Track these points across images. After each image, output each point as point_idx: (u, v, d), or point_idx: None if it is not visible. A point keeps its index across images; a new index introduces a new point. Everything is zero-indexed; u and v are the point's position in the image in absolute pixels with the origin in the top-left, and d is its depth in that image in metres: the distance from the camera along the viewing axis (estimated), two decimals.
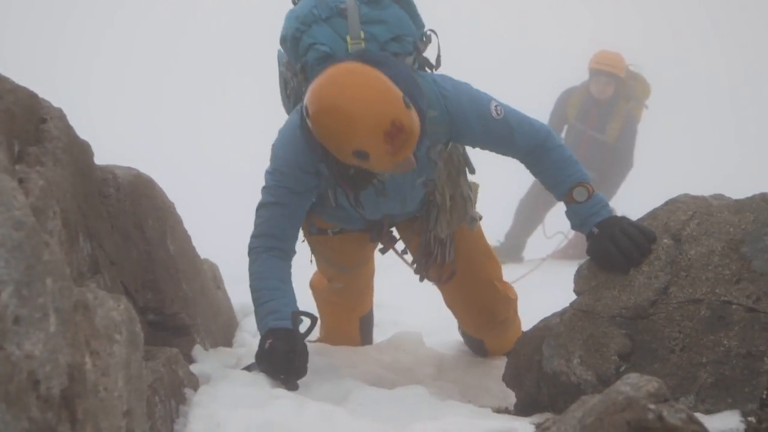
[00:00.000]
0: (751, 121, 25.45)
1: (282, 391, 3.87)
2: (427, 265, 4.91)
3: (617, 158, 11.21)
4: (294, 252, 4.40)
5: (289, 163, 4.20)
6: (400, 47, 4.17)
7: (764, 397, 3.29)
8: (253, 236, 4.32)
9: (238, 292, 6.70)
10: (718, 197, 4.05)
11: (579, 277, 4.16)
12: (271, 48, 4.65)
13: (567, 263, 8.05)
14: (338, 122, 3.61)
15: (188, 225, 5.47)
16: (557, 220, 11.75)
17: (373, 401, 4.09)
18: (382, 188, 4.15)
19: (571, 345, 3.95)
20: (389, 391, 4.38)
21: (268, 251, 4.26)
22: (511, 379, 4.43)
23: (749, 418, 2.36)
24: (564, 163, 4.30)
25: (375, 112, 3.60)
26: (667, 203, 4.10)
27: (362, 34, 4.06)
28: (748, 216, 3.79)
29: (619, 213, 4.55)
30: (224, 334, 5.83)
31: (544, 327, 4.20)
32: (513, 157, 4.40)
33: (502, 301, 5.05)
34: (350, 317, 5.62)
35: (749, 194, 3.92)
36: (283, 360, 4.01)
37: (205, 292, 5.56)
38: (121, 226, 4.24)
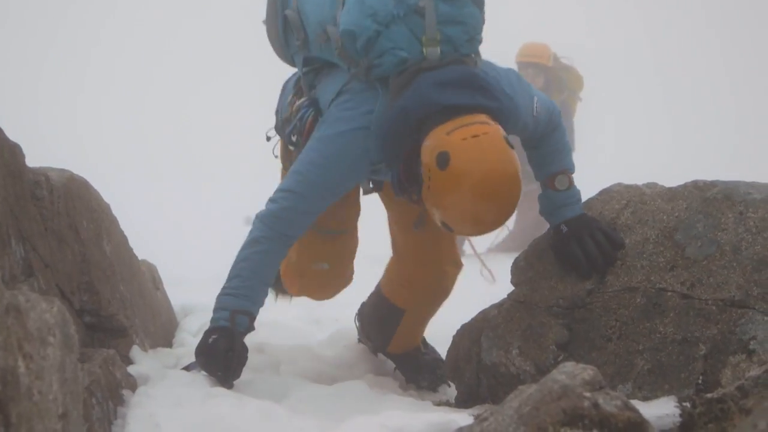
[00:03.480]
0: (685, 110, 25.82)
1: (221, 390, 3.83)
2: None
3: None
4: (296, 237, 4.23)
5: (337, 165, 4.05)
6: (472, 48, 4.05)
7: (700, 382, 3.33)
8: (265, 215, 4.12)
9: (178, 292, 6.65)
10: (651, 186, 4.07)
11: (516, 268, 4.16)
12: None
13: (506, 255, 8.06)
14: (490, 203, 3.63)
15: (125, 226, 5.40)
16: None
17: (313, 398, 4.06)
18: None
19: (509, 336, 3.95)
20: (329, 387, 4.35)
21: (279, 239, 4.11)
22: (451, 371, 4.42)
23: (684, 404, 2.37)
24: (559, 148, 4.26)
25: (490, 221, 3.74)
26: (601, 193, 4.12)
27: (438, 36, 3.91)
28: (680, 203, 3.82)
29: None
30: (164, 335, 5.75)
31: (483, 319, 4.19)
32: (520, 138, 4.27)
33: (454, 261, 4.89)
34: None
35: (682, 182, 3.96)
36: (221, 358, 3.95)
37: (143, 293, 5.48)
38: (55, 229, 4.16)
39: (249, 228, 4.29)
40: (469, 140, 3.56)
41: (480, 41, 4.11)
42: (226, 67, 26.82)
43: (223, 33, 25.48)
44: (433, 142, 3.63)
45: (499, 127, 3.67)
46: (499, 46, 4.11)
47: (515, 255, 4.32)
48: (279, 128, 4.59)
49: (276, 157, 4.83)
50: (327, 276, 4.86)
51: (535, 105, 4.12)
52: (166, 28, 28.32)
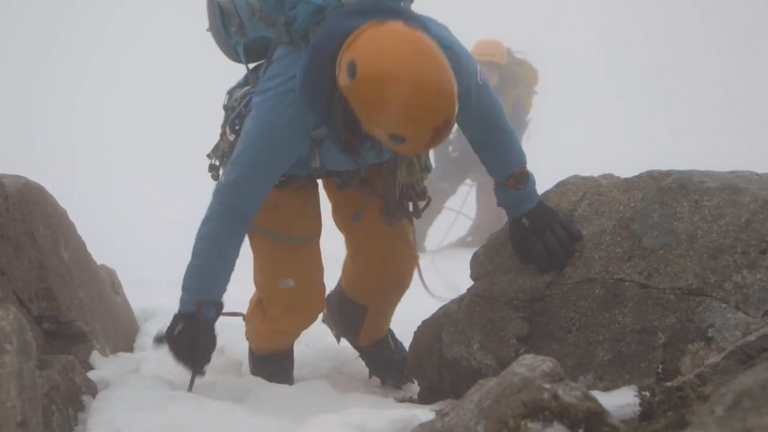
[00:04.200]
0: (637, 103, 26.10)
1: (182, 393, 3.83)
2: (395, 206, 4.55)
3: None
4: (254, 212, 4.05)
5: (273, 131, 3.87)
6: None
7: (660, 371, 3.35)
8: (218, 190, 4.00)
9: (138, 296, 6.63)
10: (607, 177, 4.09)
11: (475, 262, 4.17)
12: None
13: (465, 251, 8.08)
14: (404, 99, 3.34)
15: (83, 231, 5.36)
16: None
17: (275, 398, 4.05)
18: (379, 149, 3.98)
19: (470, 331, 3.96)
20: (291, 386, 4.36)
21: (230, 214, 3.96)
22: (413, 368, 4.43)
23: (644, 393, 2.38)
24: (511, 145, 4.15)
25: (437, 108, 3.40)
26: (557, 185, 4.13)
27: None
28: (636, 194, 3.84)
29: None
30: (125, 339, 5.73)
31: (443, 314, 4.20)
32: (467, 127, 4.12)
33: (407, 254, 4.77)
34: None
35: (637, 173, 3.98)
36: (187, 348, 3.93)
37: (103, 298, 5.46)
38: (11, 235, 4.13)
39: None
40: (368, 34, 3.44)
41: None
42: (182, 60, 26.75)
43: (173, 29, 25.35)
44: (342, 62, 3.49)
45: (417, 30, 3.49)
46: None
47: (473, 250, 4.33)
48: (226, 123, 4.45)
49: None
50: (295, 295, 4.52)
51: (479, 71, 4.01)
52: (114, 27, 28.21)
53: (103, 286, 5.64)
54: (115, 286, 6.25)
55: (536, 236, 3.90)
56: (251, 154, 3.93)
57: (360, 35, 3.46)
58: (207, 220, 3.98)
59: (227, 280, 4.05)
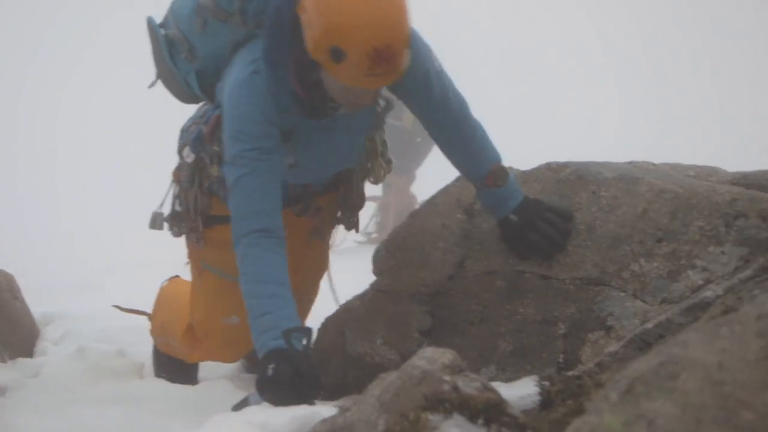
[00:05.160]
0: (536, 99, 26.59)
1: (81, 395, 3.78)
2: (355, 217, 4.51)
3: (414, 142, 11.43)
4: (284, 230, 3.70)
5: (253, 118, 3.65)
6: None
7: (561, 361, 3.38)
8: (236, 225, 3.64)
9: (38, 301, 6.54)
10: (508, 169, 4.11)
11: (377, 257, 4.15)
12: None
13: (370, 248, 8.09)
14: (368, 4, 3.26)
15: None
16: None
17: (177, 399, 4.02)
18: (333, 125, 3.84)
19: (373, 326, 3.95)
20: (194, 387, 4.34)
21: (258, 237, 3.60)
22: (317, 364, 4.41)
23: (544, 383, 2.39)
24: (483, 140, 4.00)
25: (380, 24, 3.28)
26: (458, 179, 4.11)
27: None
28: (535, 186, 3.88)
29: (417, 191, 4.52)
30: (24, 345, 5.66)
31: (346, 311, 4.18)
32: (433, 121, 4.00)
33: (326, 257, 4.71)
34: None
35: (536, 165, 4.02)
36: (290, 386, 3.33)
37: (0, 304, 5.37)
38: None
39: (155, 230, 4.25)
40: None
41: None
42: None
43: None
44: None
45: None
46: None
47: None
48: (182, 142, 4.25)
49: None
50: (236, 331, 4.22)
51: (436, 60, 3.90)
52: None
53: (0, 291, 5.54)
54: (14, 291, 6.16)
55: (531, 229, 3.74)
56: (244, 163, 3.65)
57: None
58: (241, 261, 3.64)
59: (295, 306, 3.62)
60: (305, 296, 4.61)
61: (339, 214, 4.55)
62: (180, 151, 4.26)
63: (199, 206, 4.19)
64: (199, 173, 4.16)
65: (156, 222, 4.32)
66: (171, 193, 4.33)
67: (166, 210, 4.33)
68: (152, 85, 4.33)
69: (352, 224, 4.56)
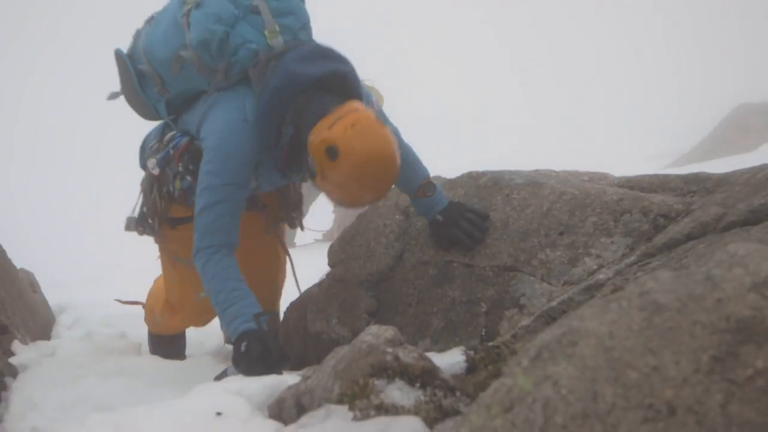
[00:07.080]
0: (458, 116, 26.64)
1: (89, 371, 3.78)
2: (297, 216, 4.47)
3: None
4: (237, 242, 3.65)
5: (237, 158, 3.57)
6: (307, 34, 3.78)
7: (483, 334, 3.38)
8: (200, 239, 3.57)
9: (54, 294, 6.56)
10: (436, 178, 4.12)
11: (332, 252, 4.16)
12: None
13: (327, 245, 8.06)
14: (379, 180, 3.29)
15: (3, 239, 5.31)
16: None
17: (168, 372, 4.06)
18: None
19: (329, 309, 3.94)
20: (183, 362, 4.39)
21: (218, 249, 3.55)
22: (283, 342, 4.39)
23: (469, 352, 2.39)
24: (414, 163, 3.99)
25: (388, 181, 3.33)
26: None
27: (277, 27, 3.66)
28: (459, 191, 3.89)
29: None
30: (42, 330, 5.69)
31: (307, 296, 4.16)
32: None
33: (281, 247, 4.59)
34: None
35: (459, 174, 4.04)
36: (260, 360, 3.34)
37: (22, 296, 5.43)
38: None
39: (131, 233, 4.18)
40: (350, 130, 3.25)
41: (311, 29, 3.85)
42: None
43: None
44: (319, 138, 3.29)
45: (370, 109, 3.40)
46: None
47: None
48: (145, 161, 4.13)
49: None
50: (206, 304, 3.93)
51: (375, 100, 3.92)
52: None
53: (22, 286, 5.68)
54: (33, 286, 6.26)
55: (453, 226, 3.77)
56: (226, 189, 3.58)
57: (338, 122, 3.28)
58: (204, 275, 3.58)
59: (252, 293, 3.58)
60: (273, 280, 4.60)
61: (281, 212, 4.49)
62: (143, 166, 4.18)
63: (158, 210, 4.13)
64: (158, 183, 4.07)
65: (129, 225, 4.26)
66: (139, 200, 4.26)
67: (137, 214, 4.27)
68: (112, 98, 4.24)
69: (295, 223, 4.50)
